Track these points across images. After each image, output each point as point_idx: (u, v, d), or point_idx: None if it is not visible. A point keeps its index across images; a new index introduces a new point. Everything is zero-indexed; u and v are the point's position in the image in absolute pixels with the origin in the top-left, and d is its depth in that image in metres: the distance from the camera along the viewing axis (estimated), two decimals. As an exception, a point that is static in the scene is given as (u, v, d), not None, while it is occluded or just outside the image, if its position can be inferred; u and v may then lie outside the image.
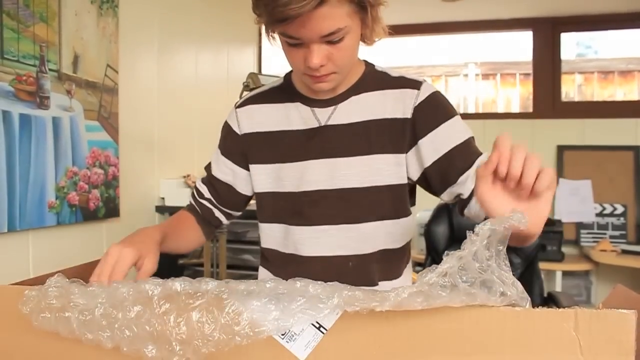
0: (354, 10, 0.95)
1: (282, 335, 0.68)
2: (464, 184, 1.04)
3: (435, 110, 1.07)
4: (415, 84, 1.09)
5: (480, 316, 0.65)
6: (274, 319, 0.66)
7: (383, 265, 1.11)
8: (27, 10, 1.84)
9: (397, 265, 1.15)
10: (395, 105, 1.08)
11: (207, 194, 1.22)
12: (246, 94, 1.23)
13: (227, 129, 1.21)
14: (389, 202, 1.09)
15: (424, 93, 1.08)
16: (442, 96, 1.10)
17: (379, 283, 1.11)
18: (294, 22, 0.91)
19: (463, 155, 1.05)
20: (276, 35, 1.01)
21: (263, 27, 1.02)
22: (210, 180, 1.23)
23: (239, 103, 1.21)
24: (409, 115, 1.07)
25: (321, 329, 0.68)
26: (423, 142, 1.07)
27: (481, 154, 1.07)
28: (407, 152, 1.09)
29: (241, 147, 1.18)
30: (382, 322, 0.67)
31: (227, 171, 1.20)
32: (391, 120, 1.08)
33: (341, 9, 0.92)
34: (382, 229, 1.10)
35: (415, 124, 1.07)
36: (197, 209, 1.22)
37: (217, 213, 1.23)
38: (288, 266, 1.13)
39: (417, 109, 1.07)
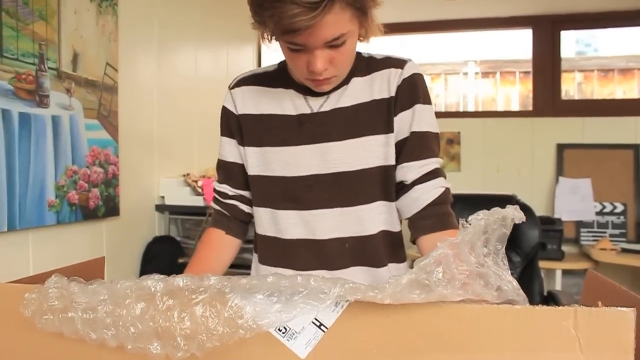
0: (355, 14, 0.96)
1: (283, 333, 0.68)
2: (404, 174, 1.09)
3: (411, 92, 1.10)
4: (400, 63, 1.12)
5: (480, 314, 0.65)
6: (277, 311, 0.66)
7: (387, 249, 1.13)
8: (26, 9, 1.84)
9: (402, 248, 1.17)
10: (381, 85, 1.11)
11: (229, 191, 1.22)
12: (239, 75, 1.23)
13: (225, 112, 1.21)
14: (381, 183, 1.11)
15: (406, 72, 1.11)
16: (423, 81, 1.13)
17: (388, 264, 1.13)
18: (300, 33, 0.92)
19: (416, 145, 1.09)
20: (273, 40, 1.02)
21: (260, 31, 1.01)
22: (224, 170, 1.23)
23: (232, 84, 1.21)
24: (393, 93, 1.10)
25: (322, 327, 0.68)
26: (395, 120, 1.11)
27: (434, 156, 1.10)
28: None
29: (240, 127, 1.19)
30: (383, 320, 0.67)
31: (235, 150, 1.20)
32: (379, 101, 1.11)
33: (344, 14, 0.93)
34: (377, 210, 1.11)
35: (396, 101, 1.10)
36: (225, 212, 1.22)
37: (246, 208, 1.22)
38: (280, 250, 1.14)
39: (399, 87, 1.10)
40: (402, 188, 1.11)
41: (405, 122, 1.10)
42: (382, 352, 0.67)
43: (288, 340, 0.68)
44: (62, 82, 2.01)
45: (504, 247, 0.69)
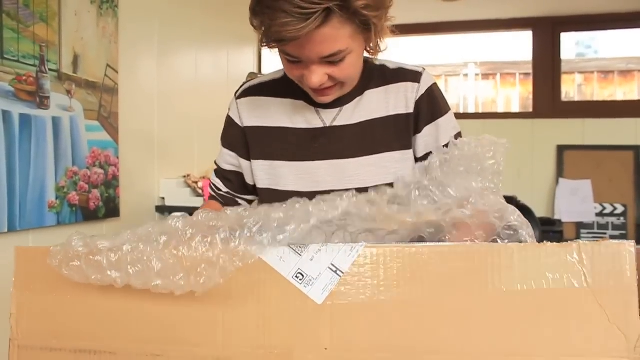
0: (357, 31, 0.92)
1: (300, 280, 0.70)
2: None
3: (432, 105, 1.08)
4: (415, 77, 1.09)
5: (489, 253, 0.70)
6: (292, 230, 0.70)
7: None
8: (27, 10, 1.85)
9: None
10: (397, 100, 1.08)
11: (223, 188, 1.22)
12: (245, 83, 1.20)
13: (229, 122, 1.19)
14: None
15: (423, 86, 1.08)
16: (439, 89, 1.11)
17: None
18: (291, 43, 0.88)
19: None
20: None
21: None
22: (221, 172, 1.23)
23: (239, 93, 1.18)
24: (411, 109, 1.08)
25: (338, 272, 0.69)
26: (419, 136, 1.09)
27: None
28: (412, 146, 1.09)
29: (244, 140, 1.16)
30: (398, 266, 0.70)
31: (234, 162, 1.19)
32: (395, 117, 1.08)
33: (343, 30, 0.90)
34: None
35: (417, 117, 1.08)
36: (220, 200, 1.23)
37: (240, 201, 1.23)
38: None
39: (418, 102, 1.08)
40: None
41: (431, 138, 1.08)
42: (398, 298, 0.70)
43: (305, 286, 0.70)
44: (62, 83, 2.01)
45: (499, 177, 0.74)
